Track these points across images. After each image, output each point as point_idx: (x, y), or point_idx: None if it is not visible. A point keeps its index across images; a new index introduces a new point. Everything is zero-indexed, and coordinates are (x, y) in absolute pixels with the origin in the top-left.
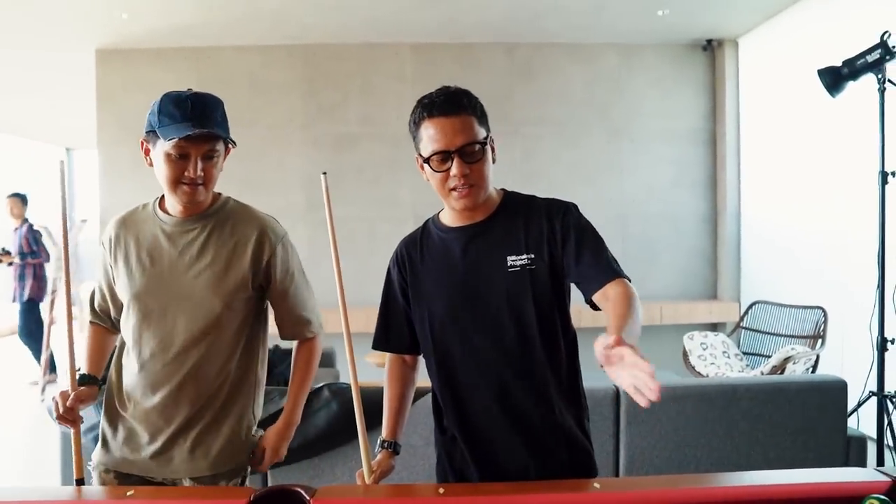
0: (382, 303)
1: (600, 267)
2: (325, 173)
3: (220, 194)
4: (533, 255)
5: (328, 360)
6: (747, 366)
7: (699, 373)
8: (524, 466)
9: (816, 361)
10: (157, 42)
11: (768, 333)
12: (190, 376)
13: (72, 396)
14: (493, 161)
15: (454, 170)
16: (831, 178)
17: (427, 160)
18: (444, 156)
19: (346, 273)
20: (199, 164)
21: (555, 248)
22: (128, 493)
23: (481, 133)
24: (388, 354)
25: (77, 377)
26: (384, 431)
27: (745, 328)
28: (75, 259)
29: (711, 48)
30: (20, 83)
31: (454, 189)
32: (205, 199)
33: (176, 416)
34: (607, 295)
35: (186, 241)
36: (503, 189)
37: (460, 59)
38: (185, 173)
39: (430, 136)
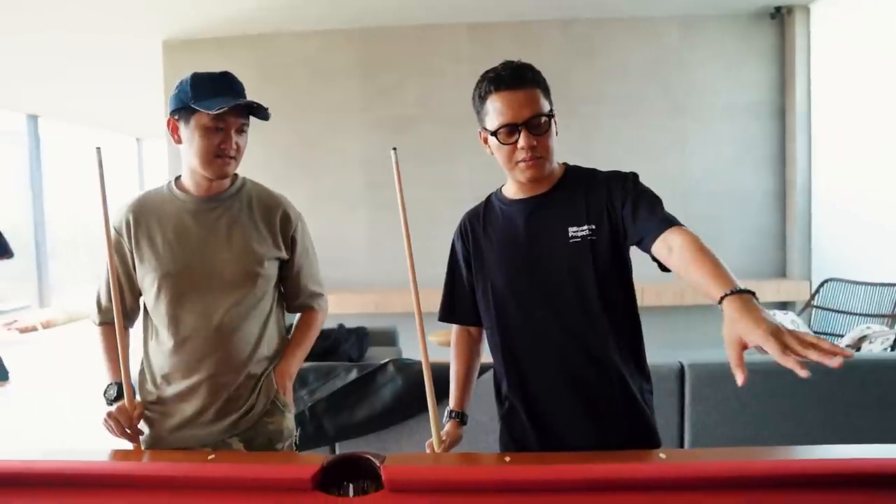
0: (447, 276)
1: (655, 219)
2: (395, 149)
3: (236, 175)
4: (594, 226)
5: (390, 339)
6: None
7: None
8: (585, 437)
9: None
10: (218, 31)
11: (841, 312)
12: (233, 345)
13: (135, 415)
14: (556, 134)
15: (522, 142)
16: None
17: (494, 133)
18: (512, 128)
19: (405, 255)
20: (233, 138)
21: (614, 216)
22: (209, 458)
23: (546, 106)
24: (453, 327)
25: (112, 392)
26: (451, 402)
27: (817, 307)
28: None
29: (780, 16)
30: (93, 76)
31: (521, 161)
32: (233, 172)
33: (224, 385)
34: (670, 245)
35: (213, 218)
36: (564, 163)
37: (517, 38)
38: (222, 146)
39: (497, 110)
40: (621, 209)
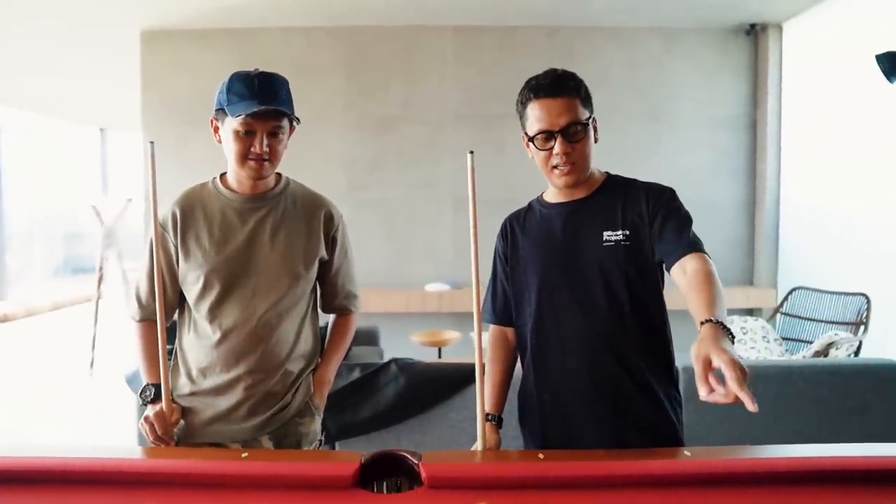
0: (491, 276)
1: (680, 241)
2: (471, 152)
3: (280, 174)
4: (628, 232)
5: (371, 339)
6: (786, 351)
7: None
8: (608, 437)
9: (859, 347)
10: (200, 23)
11: (808, 319)
12: (272, 342)
13: (172, 419)
14: (596, 141)
15: (557, 148)
16: (877, 167)
17: (532, 139)
18: (548, 135)
19: (385, 255)
20: (265, 140)
21: (649, 227)
22: (243, 455)
23: (584, 114)
24: (490, 330)
25: (149, 394)
26: (488, 405)
27: (785, 314)
28: (117, 238)
29: (755, 32)
30: (62, 64)
31: (556, 167)
32: (270, 174)
33: (261, 381)
34: (685, 268)
35: (259, 217)
36: (606, 171)
37: (502, 43)
38: (252, 149)
39: (536, 117)
40: (651, 223)
